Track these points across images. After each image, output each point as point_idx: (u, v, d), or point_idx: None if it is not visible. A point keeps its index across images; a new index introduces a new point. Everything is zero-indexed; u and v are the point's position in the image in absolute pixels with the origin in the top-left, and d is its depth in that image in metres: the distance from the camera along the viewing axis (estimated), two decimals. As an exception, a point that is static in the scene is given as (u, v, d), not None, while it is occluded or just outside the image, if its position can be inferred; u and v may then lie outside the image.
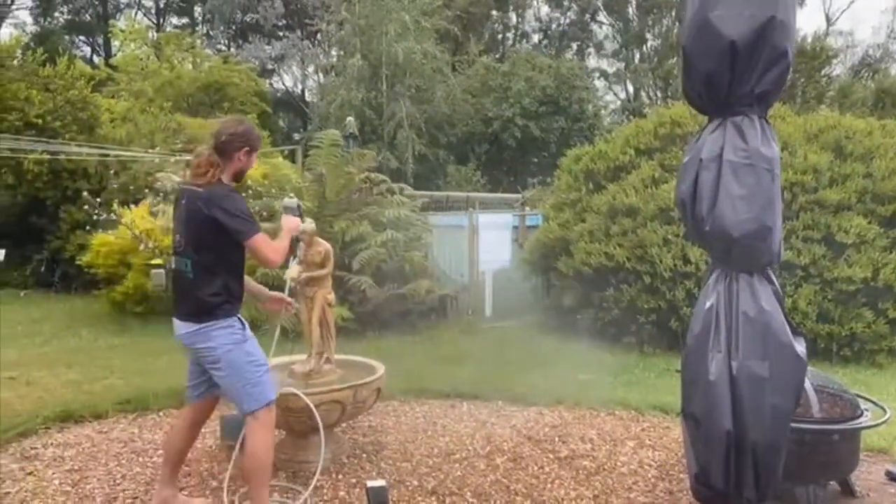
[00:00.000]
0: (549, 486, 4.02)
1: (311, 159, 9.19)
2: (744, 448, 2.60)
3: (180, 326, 3.27)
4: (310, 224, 4.34)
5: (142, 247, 5.54)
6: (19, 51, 12.90)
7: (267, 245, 3.28)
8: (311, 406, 3.83)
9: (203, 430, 4.97)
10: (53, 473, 4.18)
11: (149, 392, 5.66)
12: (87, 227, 7.62)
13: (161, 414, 5.38)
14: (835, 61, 24.40)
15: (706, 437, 2.66)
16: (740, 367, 2.59)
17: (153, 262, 5.37)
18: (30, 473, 4.18)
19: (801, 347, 2.66)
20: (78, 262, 9.65)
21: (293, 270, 4.44)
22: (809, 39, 22.26)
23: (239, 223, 3.16)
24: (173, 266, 3.27)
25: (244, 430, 3.35)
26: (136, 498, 3.84)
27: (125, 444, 4.71)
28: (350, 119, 12.16)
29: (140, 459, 4.42)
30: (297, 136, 26.73)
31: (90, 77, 14.86)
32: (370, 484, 3.22)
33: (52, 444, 4.71)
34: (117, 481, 4.08)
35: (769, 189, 2.60)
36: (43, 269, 12.45)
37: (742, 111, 2.62)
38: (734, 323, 2.61)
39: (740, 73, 2.57)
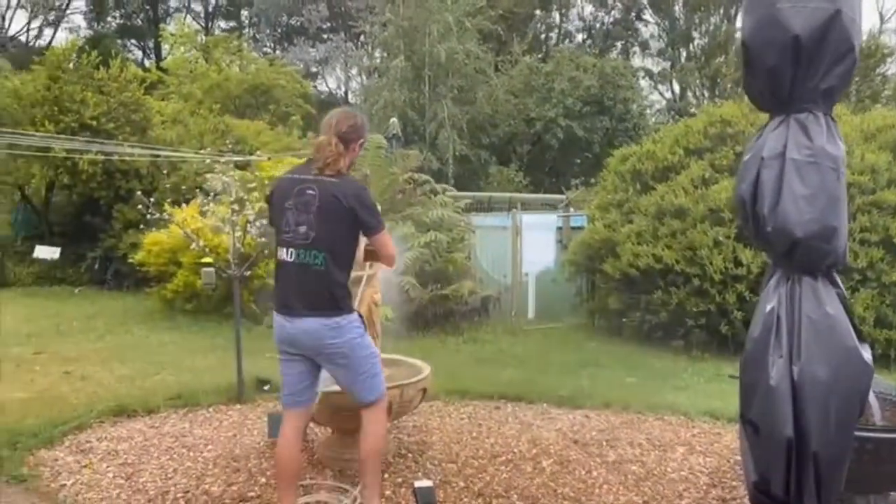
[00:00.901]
0: (597, 490, 3.96)
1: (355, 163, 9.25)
2: (805, 456, 2.51)
3: (299, 322, 3.14)
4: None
5: (193, 246, 5.63)
6: (74, 54, 13.26)
7: (390, 241, 3.34)
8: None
9: (251, 426, 5.12)
10: (108, 467, 4.26)
11: (199, 388, 5.76)
12: (141, 227, 7.80)
13: (211, 410, 5.46)
14: (889, 60, 23.63)
15: (766, 445, 2.58)
16: (802, 373, 2.50)
17: (203, 260, 5.45)
18: (85, 466, 4.27)
19: (867, 353, 2.56)
20: (130, 261, 9.91)
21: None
22: (864, 37, 21.59)
23: (372, 217, 3.18)
24: (292, 259, 3.12)
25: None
26: (188, 492, 3.88)
27: (176, 438, 4.79)
28: (393, 120, 12.22)
29: (191, 454, 4.48)
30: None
31: (141, 80, 15.21)
32: (418, 484, 3.21)
33: (105, 437, 4.81)
34: (169, 475, 4.14)
35: (834, 188, 2.51)
36: (96, 266, 12.79)
37: (806, 108, 2.53)
38: (797, 327, 2.53)
39: (805, 69, 2.48)
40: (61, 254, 12.25)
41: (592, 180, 22.01)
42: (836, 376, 2.50)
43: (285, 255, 3.16)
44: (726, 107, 8.93)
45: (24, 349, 7.45)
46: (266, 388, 5.87)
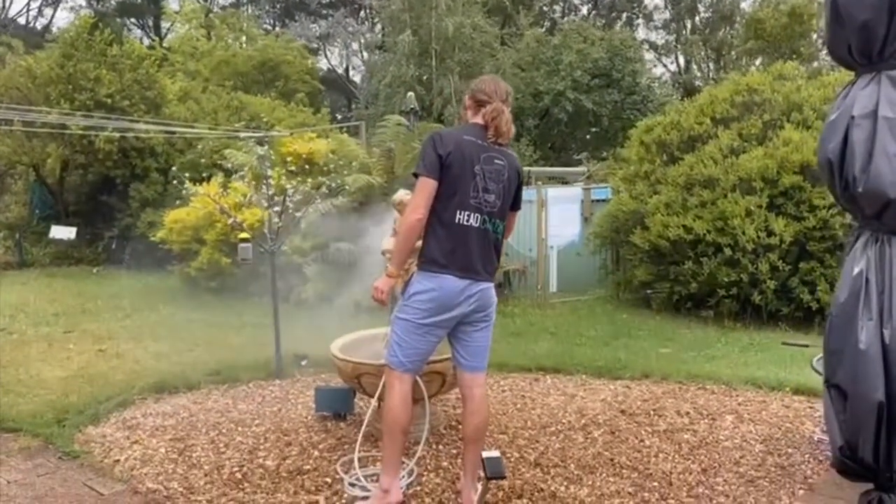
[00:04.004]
0: (653, 459, 3.94)
1: (378, 137, 9.23)
2: (896, 420, 2.49)
3: (480, 284, 3.16)
4: (406, 194, 4.29)
5: (230, 221, 5.58)
6: (86, 32, 13.04)
7: None
8: (417, 377, 3.81)
9: (294, 401, 5.11)
10: (158, 442, 4.25)
11: (237, 364, 5.76)
12: (177, 202, 7.70)
13: (251, 385, 5.47)
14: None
15: (854, 409, 2.55)
16: (894, 336, 2.47)
17: (241, 236, 5.40)
18: (135, 442, 4.26)
19: (960, 315, 2.52)
20: (153, 239, 9.85)
21: (388, 242, 4.42)
22: None
23: (521, 193, 3.34)
24: (477, 224, 3.12)
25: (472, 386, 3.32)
26: (243, 466, 3.87)
27: (222, 414, 4.78)
28: (410, 94, 12.06)
29: (240, 429, 4.47)
30: (338, 116, 26.74)
31: (146, 58, 15.01)
32: (485, 454, 3.18)
33: (150, 413, 4.81)
34: (221, 450, 4.13)
35: (930, 147, 2.45)
36: (114, 246, 12.75)
37: (898, 64, 2.47)
38: (887, 289, 2.49)
39: (899, 24, 2.42)
40: (77, 234, 12.20)
41: (604, 154, 21.92)
42: (928, 338, 2.47)
43: (469, 219, 3.11)
44: (752, 75, 8.81)
45: (54, 328, 7.46)
46: (304, 363, 5.86)
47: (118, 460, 3.99)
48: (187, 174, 5.79)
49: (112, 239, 12.79)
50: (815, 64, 17.23)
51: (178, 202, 7.64)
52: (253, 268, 8.20)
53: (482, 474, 3.26)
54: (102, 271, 12.26)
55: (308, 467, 3.86)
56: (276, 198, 5.48)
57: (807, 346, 4.43)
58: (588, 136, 25.82)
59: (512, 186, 3.22)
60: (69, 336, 7.13)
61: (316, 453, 4.06)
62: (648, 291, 8.51)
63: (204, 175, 9.63)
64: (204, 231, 8.83)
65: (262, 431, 4.43)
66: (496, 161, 3.15)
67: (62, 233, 11.96)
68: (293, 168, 5.72)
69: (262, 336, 6.48)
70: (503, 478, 3.25)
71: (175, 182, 5.80)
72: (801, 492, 3.53)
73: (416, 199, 3.09)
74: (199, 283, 9.21)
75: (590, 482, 3.63)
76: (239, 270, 8.82)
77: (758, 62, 26.06)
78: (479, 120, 3.21)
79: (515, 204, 3.32)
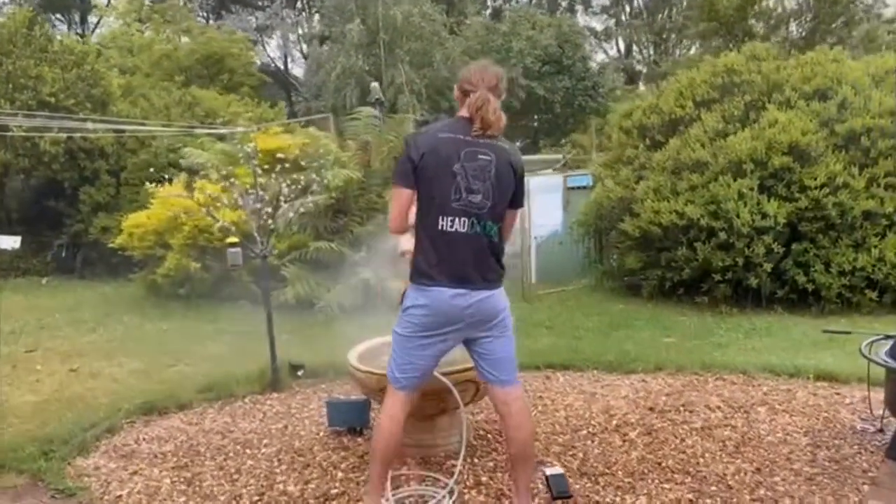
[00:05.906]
0: (700, 460, 3.74)
1: (351, 131, 8.88)
2: None
3: (477, 294, 2.89)
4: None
5: (218, 224, 5.16)
6: (25, 27, 12.10)
7: None
8: (451, 386, 3.53)
9: (299, 416, 4.76)
10: (161, 472, 3.86)
11: (228, 378, 5.35)
12: (150, 202, 7.05)
13: (247, 401, 5.09)
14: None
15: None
16: None
17: (230, 240, 5.00)
18: (135, 473, 3.86)
19: None
20: (111, 245, 9.20)
21: (407, 242, 4.09)
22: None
23: (523, 189, 3.05)
24: (464, 229, 2.83)
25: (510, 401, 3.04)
26: (263, 494, 3.53)
27: (224, 435, 4.40)
28: (374, 84, 11.72)
29: (248, 451, 4.11)
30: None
31: (90, 53, 14.13)
32: (549, 472, 2.93)
33: (144, 439, 4.40)
34: (233, 477, 3.76)
35: None
36: (63, 254, 11.94)
37: None
38: None
39: None
40: (22, 242, 11.36)
41: (563, 141, 21.90)
42: None
43: (454, 224, 2.85)
44: (729, 56, 8.74)
45: (14, 348, 6.83)
46: (300, 373, 5.51)
47: (120, 496, 3.60)
48: (164, 176, 5.32)
49: (61, 247, 11.95)
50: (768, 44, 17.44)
51: (150, 203, 7.06)
52: (224, 272, 7.75)
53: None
54: (52, 282, 11.46)
55: (335, 491, 3.54)
56: (265, 197, 5.08)
57: (849, 332, 4.31)
58: (536, 124, 25.81)
59: (503, 183, 2.90)
60: (33, 356, 6.55)
61: (340, 474, 3.74)
62: (630, 278, 8.38)
63: (163, 176, 9.03)
64: (169, 235, 8.27)
65: (274, 452, 4.07)
66: (480, 157, 2.85)
67: (6, 242, 11.07)
68: (287, 165, 5.32)
69: (247, 345, 6.08)
70: (570, 496, 2.99)
71: (149, 184, 5.29)
72: (867, 487, 3.39)
73: (392, 211, 2.98)
74: (164, 291, 8.64)
75: (644, 490, 3.41)
76: (209, 276, 8.34)
77: (697, 44, 26.40)
78: (464, 112, 2.92)
79: (515, 201, 3.01)
